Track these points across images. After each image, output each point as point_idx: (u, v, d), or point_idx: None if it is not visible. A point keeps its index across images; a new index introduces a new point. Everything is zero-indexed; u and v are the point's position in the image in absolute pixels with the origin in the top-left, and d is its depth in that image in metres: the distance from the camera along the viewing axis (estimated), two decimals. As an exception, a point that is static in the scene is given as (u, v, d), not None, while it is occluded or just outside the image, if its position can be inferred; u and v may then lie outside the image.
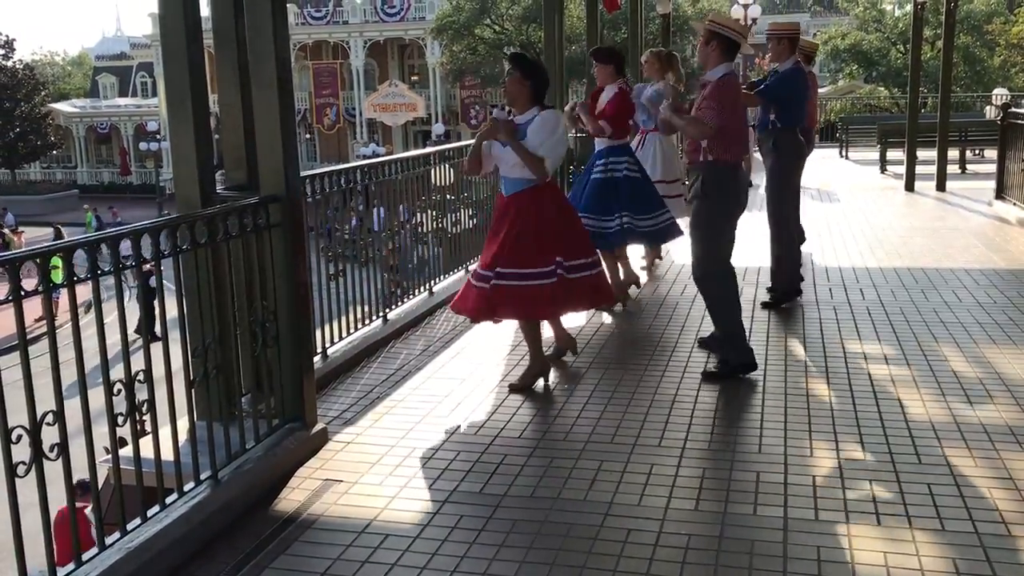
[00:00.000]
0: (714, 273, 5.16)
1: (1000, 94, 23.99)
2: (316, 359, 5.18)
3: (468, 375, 5.36)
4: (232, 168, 4.42)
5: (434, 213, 7.53)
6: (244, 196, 4.19)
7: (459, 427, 4.57)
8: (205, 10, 4.29)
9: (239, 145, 4.37)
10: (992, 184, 11.68)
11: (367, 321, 6.06)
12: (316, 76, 50.69)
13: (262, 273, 4.14)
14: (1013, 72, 36.05)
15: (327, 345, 5.46)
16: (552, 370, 5.30)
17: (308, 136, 52.16)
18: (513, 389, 5.04)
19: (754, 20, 19.91)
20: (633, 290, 7.21)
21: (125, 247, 3.29)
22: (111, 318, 2.99)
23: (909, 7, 35.80)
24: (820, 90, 41.17)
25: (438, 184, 7.59)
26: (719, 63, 5.02)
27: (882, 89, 36.60)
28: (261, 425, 4.13)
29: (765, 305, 6.68)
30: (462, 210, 8.07)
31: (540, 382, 5.15)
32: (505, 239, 4.86)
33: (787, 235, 6.71)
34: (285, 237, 4.22)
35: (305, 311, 4.40)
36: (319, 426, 4.43)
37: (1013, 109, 11.37)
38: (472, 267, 5.40)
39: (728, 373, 5.14)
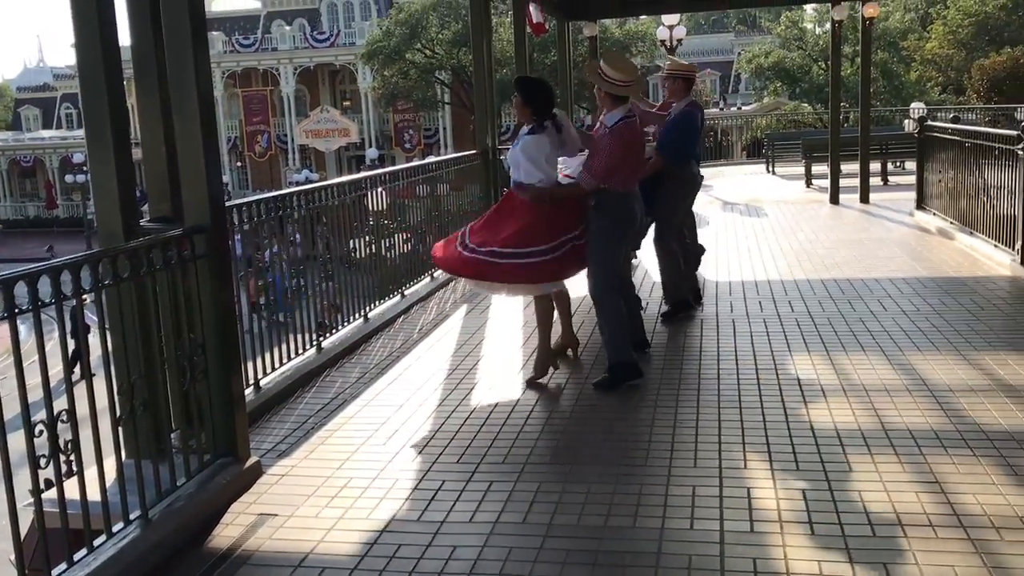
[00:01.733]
0: (610, 288, 5.42)
1: (917, 108, 24.78)
2: (248, 391, 5.11)
3: (405, 401, 5.32)
4: (156, 199, 4.35)
5: (369, 238, 7.50)
6: (169, 228, 4.13)
7: (396, 455, 4.53)
8: (125, 39, 4.23)
9: (162, 176, 4.31)
10: (913, 195, 12.03)
11: (301, 350, 5.98)
12: (246, 103, 50.25)
13: (189, 306, 4.07)
14: (929, 86, 37.30)
15: (259, 376, 5.37)
16: (493, 390, 5.30)
17: (239, 164, 51.58)
18: (531, 382, 5.52)
19: (679, 41, 20.26)
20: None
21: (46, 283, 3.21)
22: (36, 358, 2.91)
23: (828, 26, 36.91)
24: (746, 108, 42.04)
25: (373, 209, 7.57)
26: (613, 109, 5.26)
27: (806, 105, 37.54)
28: (192, 461, 4.04)
29: (665, 317, 6.95)
30: (397, 235, 8.06)
31: (493, 398, 5.14)
32: (514, 226, 5.31)
33: (675, 261, 6.97)
34: (212, 268, 4.15)
35: (234, 343, 4.34)
36: (252, 459, 4.35)
37: (930, 123, 11.73)
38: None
39: (616, 379, 5.36)
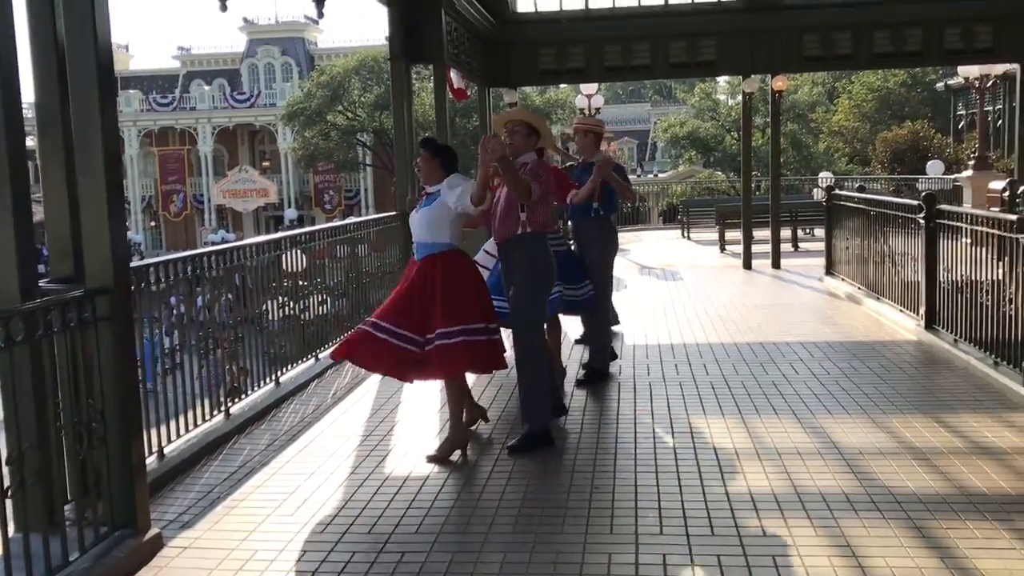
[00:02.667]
0: (539, 348, 5.39)
1: (825, 177, 25.68)
2: (151, 459, 4.91)
3: (316, 469, 5.16)
4: (56, 259, 4.19)
5: (284, 299, 7.35)
6: (69, 289, 3.97)
7: (305, 525, 4.37)
8: (29, 94, 4.10)
9: (64, 235, 4.15)
10: (822, 261, 12.39)
11: (208, 416, 5.78)
12: (162, 162, 49.52)
13: (88, 370, 3.90)
14: (836, 157, 38.83)
15: (163, 443, 5.16)
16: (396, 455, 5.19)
17: (153, 224, 50.59)
18: (431, 459, 5.22)
19: (598, 109, 20.75)
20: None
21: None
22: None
23: (740, 97, 38.28)
24: (662, 175, 43.10)
25: (289, 270, 7.45)
26: (525, 150, 5.46)
27: (719, 173, 38.67)
28: (87, 534, 3.84)
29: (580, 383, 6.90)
30: (313, 296, 7.92)
31: (408, 466, 5.02)
32: (436, 300, 5.07)
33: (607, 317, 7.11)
34: (114, 331, 4.00)
35: (136, 409, 4.16)
36: (153, 531, 4.15)
37: (837, 191, 12.16)
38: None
39: (529, 445, 5.27)
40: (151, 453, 4.96)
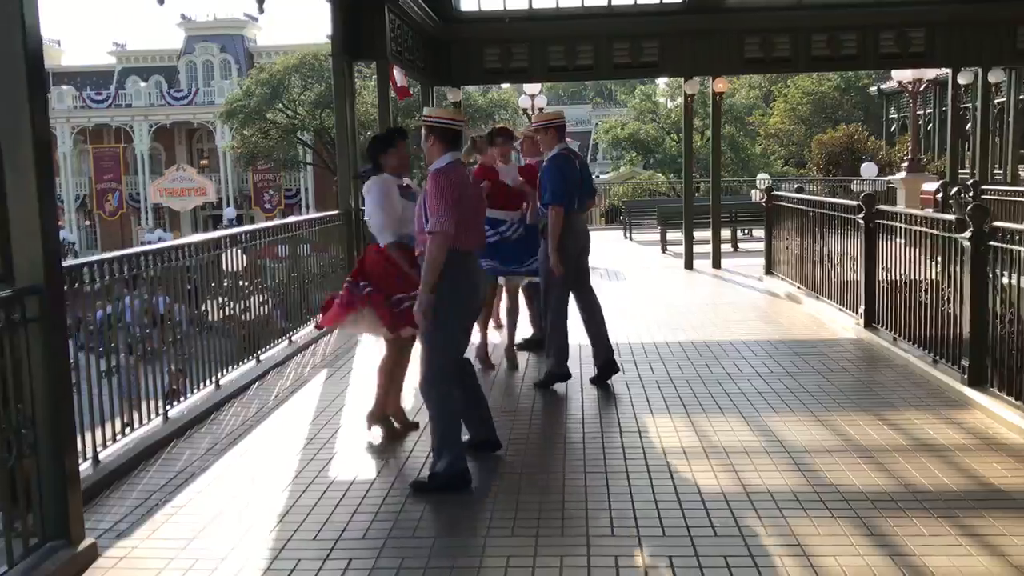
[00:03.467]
0: (442, 378, 4.75)
1: (763, 179, 26.07)
2: (85, 465, 4.74)
3: (258, 474, 5.03)
4: (-16, 258, 4.00)
5: (224, 300, 7.18)
6: (-3, 289, 3.79)
7: (248, 532, 4.24)
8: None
9: (-9, 233, 3.96)
10: (761, 261, 12.53)
11: (146, 420, 5.60)
12: (97, 161, 48.34)
13: (17, 374, 3.73)
14: (773, 159, 39.47)
15: (98, 449, 4.98)
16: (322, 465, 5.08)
17: (88, 223, 49.38)
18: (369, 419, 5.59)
19: (540, 109, 20.74)
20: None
21: None
22: None
23: (680, 100, 38.65)
24: (604, 176, 43.38)
25: (229, 270, 7.27)
26: (442, 153, 4.72)
27: (660, 175, 39.01)
28: (16, 546, 3.67)
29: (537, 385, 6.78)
30: (254, 296, 7.76)
31: (353, 469, 4.91)
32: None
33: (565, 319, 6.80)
34: (45, 333, 3.83)
35: (68, 414, 3.99)
36: (87, 541, 3.99)
37: (776, 192, 12.31)
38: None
39: (438, 486, 4.66)
40: (85, 459, 4.79)
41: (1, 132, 3.82)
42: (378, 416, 5.65)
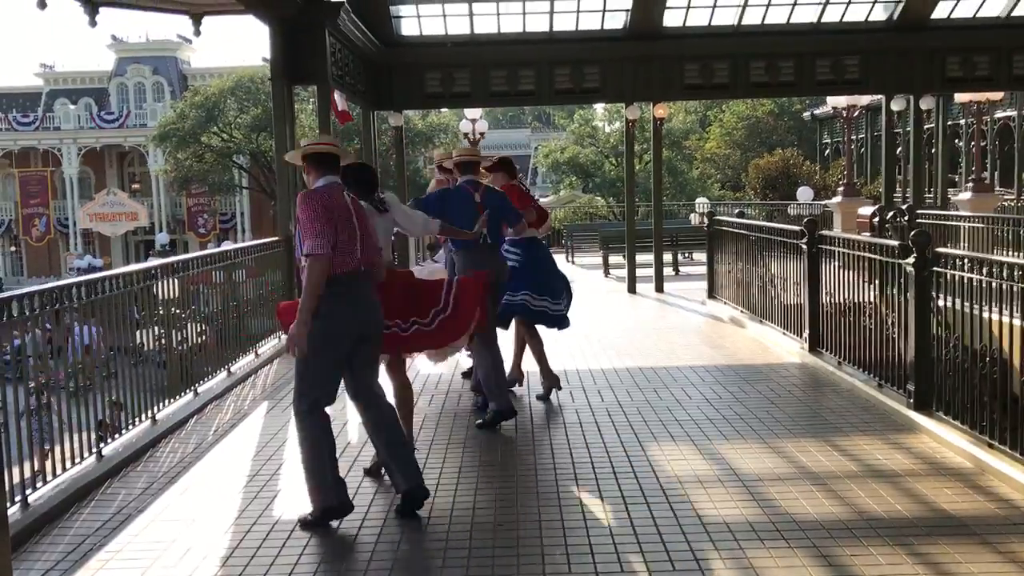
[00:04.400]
0: (308, 410, 4.60)
1: (702, 203, 26.40)
2: (13, 509, 4.48)
3: (198, 515, 4.82)
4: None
5: (158, 330, 6.93)
6: (-82, 326, 3.57)
7: (189, 577, 4.05)
8: None
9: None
10: (704, 284, 12.62)
11: (78, 458, 5.34)
12: (23, 185, 47.06)
13: (-60, 416, 3.50)
14: (710, 183, 40.05)
15: (27, 491, 4.72)
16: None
17: (13, 249, 47.98)
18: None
19: (482, 134, 20.74)
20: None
21: None
22: None
23: (618, 124, 39.03)
24: (544, 199, 43.56)
25: (163, 298, 7.03)
26: (317, 179, 4.66)
27: (599, 198, 39.29)
28: (-62, 600, 3.43)
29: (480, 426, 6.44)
30: (190, 325, 7.52)
31: (298, 509, 4.72)
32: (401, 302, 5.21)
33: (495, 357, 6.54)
34: (-30, 372, 3.61)
35: (-4, 458, 3.77)
36: (15, 593, 3.76)
37: (716, 217, 12.42)
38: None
39: (315, 522, 4.57)
40: (13, 502, 4.54)
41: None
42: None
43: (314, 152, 4.70)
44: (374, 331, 4.75)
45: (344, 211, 4.59)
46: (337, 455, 4.71)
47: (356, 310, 4.60)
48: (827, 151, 34.25)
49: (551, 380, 7.22)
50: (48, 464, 5.07)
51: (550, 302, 7.16)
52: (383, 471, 5.17)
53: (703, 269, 13.24)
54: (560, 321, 7.28)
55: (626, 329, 10.74)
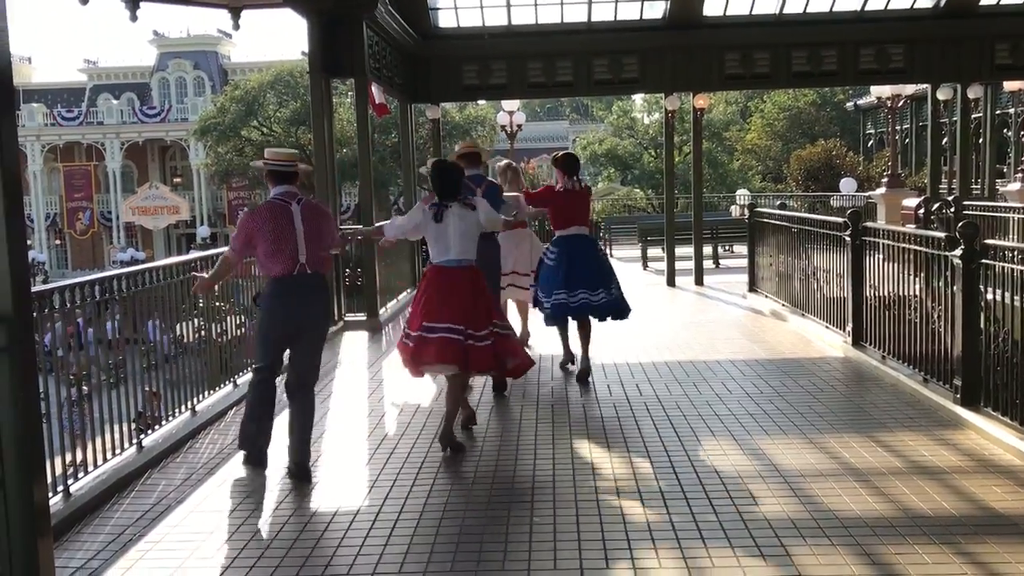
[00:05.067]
0: (254, 370, 5.53)
1: (743, 194, 26.12)
2: (55, 499, 4.54)
3: (236, 506, 4.84)
4: (-53, 285, 3.80)
5: (199, 322, 6.98)
6: (-39, 317, 3.60)
7: (226, 570, 4.06)
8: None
9: (-44, 258, 3.77)
10: (744, 278, 12.47)
11: (119, 449, 5.40)
12: (67, 179, 47.80)
13: (-18, 407, 3.53)
14: (750, 174, 39.59)
15: (69, 482, 4.78)
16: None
17: (58, 242, 48.77)
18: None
19: (519, 126, 20.70)
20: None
21: None
22: None
23: (657, 115, 38.74)
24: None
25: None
26: (273, 188, 5.32)
27: (638, 190, 39.03)
28: (-19, 588, 3.47)
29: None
30: (230, 317, 7.57)
31: (334, 501, 4.73)
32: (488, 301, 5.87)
33: None
34: (13, 364, 3.63)
35: (38, 449, 3.79)
36: (57, 582, 3.79)
37: (757, 209, 12.25)
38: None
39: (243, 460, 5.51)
40: (55, 493, 4.60)
41: (-34, 153, 3.63)
42: (449, 435, 5.75)
43: (273, 168, 5.34)
44: (306, 324, 5.30)
45: (286, 221, 5.17)
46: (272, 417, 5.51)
47: (287, 308, 5.22)
48: (871, 142, 33.74)
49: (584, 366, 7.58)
50: (89, 454, 5.12)
51: (588, 293, 7.31)
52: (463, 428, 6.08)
53: (743, 262, 13.08)
54: (610, 310, 7.49)
55: (665, 322, 10.64)
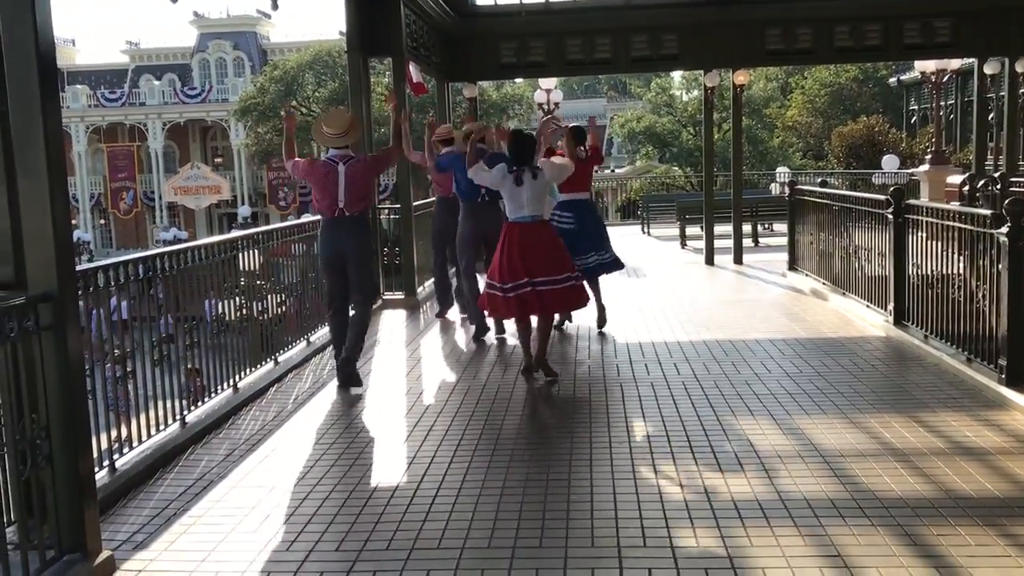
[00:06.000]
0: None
1: (783, 172, 25.80)
2: (101, 473, 4.64)
3: (278, 482, 4.91)
4: (-5, 264, 3.89)
5: (240, 300, 7.07)
6: (10, 296, 3.68)
7: (269, 543, 4.12)
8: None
9: (4, 237, 3.84)
10: (784, 256, 12.34)
11: (162, 425, 5.50)
12: (111, 159, 48.49)
13: (31, 384, 3.62)
14: (791, 152, 39.09)
15: (114, 456, 4.88)
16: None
17: (103, 222, 49.55)
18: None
19: (556, 104, 20.60)
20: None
21: None
22: None
23: (696, 92, 38.32)
24: (619, 170, 43.13)
25: (245, 269, 7.17)
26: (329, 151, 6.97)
27: (676, 168, 38.72)
28: (32, 559, 3.57)
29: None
30: (271, 296, 7.65)
31: (375, 476, 4.79)
32: (547, 254, 6.83)
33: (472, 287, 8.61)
34: (59, 341, 3.72)
35: (84, 424, 3.88)
36: (104, 554, 3.88)
37: (799, 186, 12.10)
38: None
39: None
40: (101, 467, 4.69)
41: (14, 135, 3.70)
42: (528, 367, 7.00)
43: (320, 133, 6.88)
44: (348, 251, 6.70)
45: (331, 178, 6.69)
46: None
47: (330, 240, 6.76)
48: (914, 118, 33.11)
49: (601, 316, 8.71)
50: (134, 430, 5.22)
51: (597, 255, 8.37)
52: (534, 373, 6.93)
53: (783, 241, 12.94)
54: (614, 265, 8.62)
55: (703, 301, 10.58)
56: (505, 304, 6.78)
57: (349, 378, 6.79)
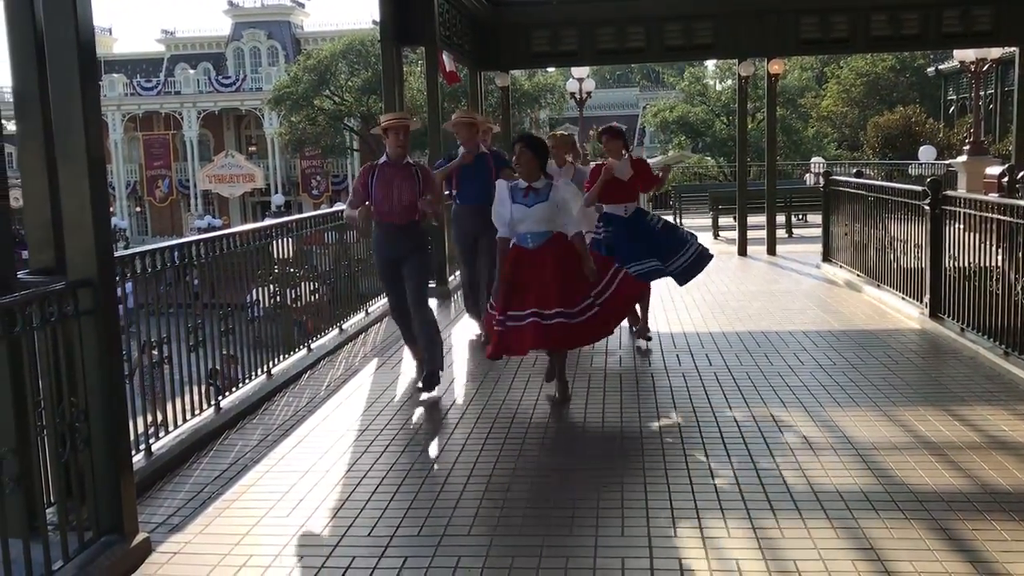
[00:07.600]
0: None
1: (817, 162, 25.54)
2: (138, 457, 4.71)
3: (311, 466, 4.96)
4: (37, 250, 3.96)
5: (274, 288, 7.14)
6: (50, 281, 3.74)
7: (301, 527, 4.17)
8: (6, 79, 3.86)
9: (45, 224, 3.92)
10: (818, 247, 12.23)
11: (197, 410, 5.57)
12: (147, 147, 48.99)
13: (71, 367, 3.68)
14: (826, 142, 38.69)
15: (150, 440, 4.95)
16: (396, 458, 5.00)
17: (139, 209, 50.13)
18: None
19: (588, 93, 20.56)
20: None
21: None
22: None
23: (730, 82, 38.03)
24: (651, 159, 42.87)
25: (279, 257, 7.24)
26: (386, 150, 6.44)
27: (709, 158, 38.45)
28: (71, 540, 3.63)
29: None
30: (304, 284, 7.71)
31: (406, 462, 4.83)
32: (553, 284, 5.77)
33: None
34: (97, 326, 3.77)
35: (122, 408, 3.94)
36: (141, 536, 3.94)
37: (834, 177, 11.98)
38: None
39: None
40: (138, 451, 4.76)
41: (54, 123, 3.76)
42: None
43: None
44: (401, 256, 6.29)
45: (385, 180, 6.24)
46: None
47: (383, 244, 6.40)
48: (952, 108, 32.60)
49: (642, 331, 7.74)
50: (170, 415, 5.29)
51: (655, 262, 7.39)
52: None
53: (817, 232, 12.82)
54: (687, 272, 7.68)
55: (736, 292, 10.51)
56: (501, 336, 5.84)
57: (429, 378, 6.24)
